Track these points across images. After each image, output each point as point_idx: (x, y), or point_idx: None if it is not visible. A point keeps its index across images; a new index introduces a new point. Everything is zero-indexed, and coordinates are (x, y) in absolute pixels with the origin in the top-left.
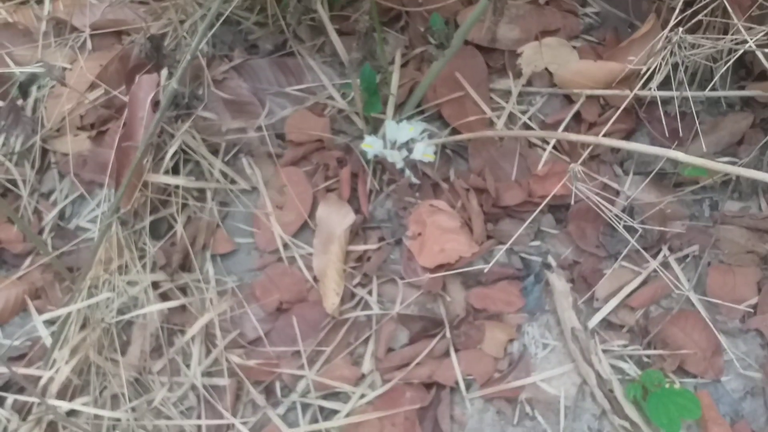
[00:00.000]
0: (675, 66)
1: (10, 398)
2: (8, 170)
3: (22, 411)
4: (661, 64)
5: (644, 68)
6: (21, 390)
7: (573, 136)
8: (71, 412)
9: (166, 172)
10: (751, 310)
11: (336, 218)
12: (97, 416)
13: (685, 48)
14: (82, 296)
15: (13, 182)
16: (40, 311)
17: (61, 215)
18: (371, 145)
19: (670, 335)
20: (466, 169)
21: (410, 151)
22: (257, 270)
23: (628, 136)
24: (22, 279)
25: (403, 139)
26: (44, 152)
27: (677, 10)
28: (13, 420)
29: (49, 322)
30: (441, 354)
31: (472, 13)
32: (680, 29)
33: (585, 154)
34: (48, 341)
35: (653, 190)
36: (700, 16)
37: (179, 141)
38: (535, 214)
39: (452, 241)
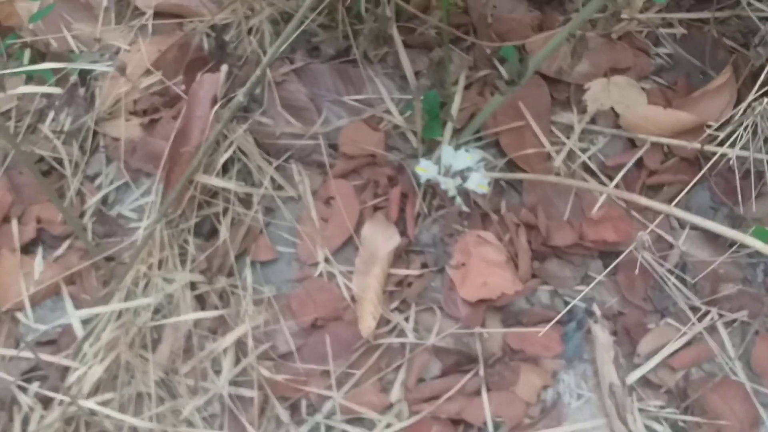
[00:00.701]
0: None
1: (34, 387)
2: (55, 148)
3: (46, 400)
4: (738, 129)
5: (715, 125)
6: (44, 377)
7: (644, 201)
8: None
9: (217, 174)
10: None
11: (381, 239)
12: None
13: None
14: (120, 297)
15: (60, 161)
16: (73, 297)
17: (104, 200)
18: (426, 170)
19: (709, 402)
20: (518, 202)
21: (464, 179)
22: (296, 281)
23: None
24: (59, 262)
25: (460, 167)
26: (94, 134)
27: (765, 74)
28: (36, 409)
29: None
30: (472, 391)
31: (545, 49)
32: (765, 99)
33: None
34: (80, 332)
35: (707, 248)
36: None
37: (233, 146)
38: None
39: (496, 275)
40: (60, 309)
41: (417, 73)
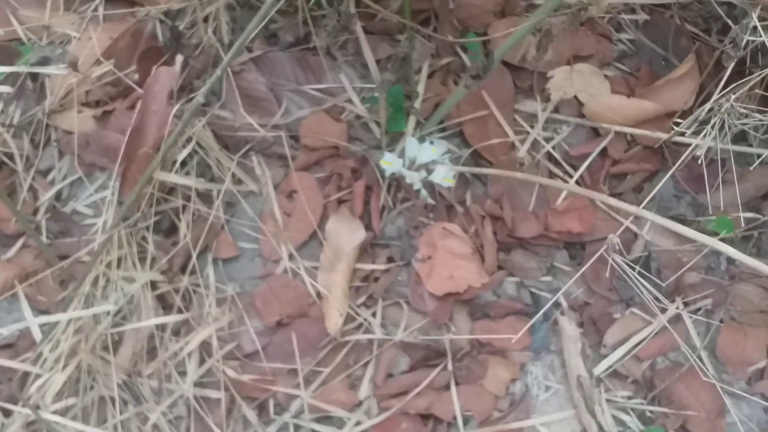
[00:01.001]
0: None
1: None
2: (5, 142)
3: (5, 410)
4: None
5: (679, 114)
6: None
7: (613, 201)
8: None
9: (175, 169)
10: (759, 373)
11: (346, 234)
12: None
13: (733, 116)
14: (79, 301)
15: (10, 156)
16: (30, 298)
17: (58, 196)
18: (391, 163)
19: (675, 392)
20: (483, 193)
21: (429, 172)
22: (259, 278)
23: (651, 176)
24: (12, 261)
25: (425, 160)
26: (45, 127)
27: (729, 71)
28: None
29: (39, 312)
30: (441, 386)
31: (508, 41)
32: (732, 97)
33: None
34: (38, 337)
35: (672, 237)
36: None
37: (193, 142)
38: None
39: (462, 268)
40: (16, 310)
41: (378, 62)
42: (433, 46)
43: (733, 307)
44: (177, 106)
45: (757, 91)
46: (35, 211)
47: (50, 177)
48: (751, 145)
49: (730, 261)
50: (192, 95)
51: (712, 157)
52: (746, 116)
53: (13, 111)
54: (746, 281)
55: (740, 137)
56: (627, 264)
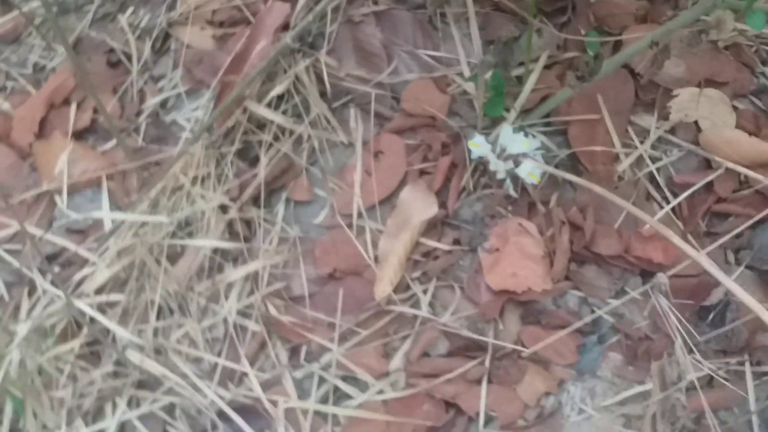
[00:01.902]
0: None
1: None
2: (127, 42)
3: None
4: None
5: None
6: (65, 264)
7: (676, 239)
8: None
9: (269, 104)
10: None
11: (418, 206)
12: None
13: None
14: (151, 204)
15: (129, 56)
16: (111, 193)
17: (163, 104)
18: (478, 146)
19: None
20: (570, 199)
21: (517, 164)
22: (325, 228)
23: (756, 224)
24: (106, 155)
25: (515, 151)
26: (166, 36)
27: None
28: (48, 294)
29: (117, 208)
30: (473, 379)
31: (627, 50)
32: None
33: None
34: (108, 227)
35: (759, 291)
36: None
37: (290, 79)
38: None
39: (528, 269)
40: (97, 201)
41: (491, 43)
42: (562, 37)
43: None
44: (283, 42)
45: None
46: (139, 113)
47: (160, 84)
48: None
49: None
50: (304, 38)
51: None
52: None
53: (143, 15)
54: None
55: None
56: (703, 308)
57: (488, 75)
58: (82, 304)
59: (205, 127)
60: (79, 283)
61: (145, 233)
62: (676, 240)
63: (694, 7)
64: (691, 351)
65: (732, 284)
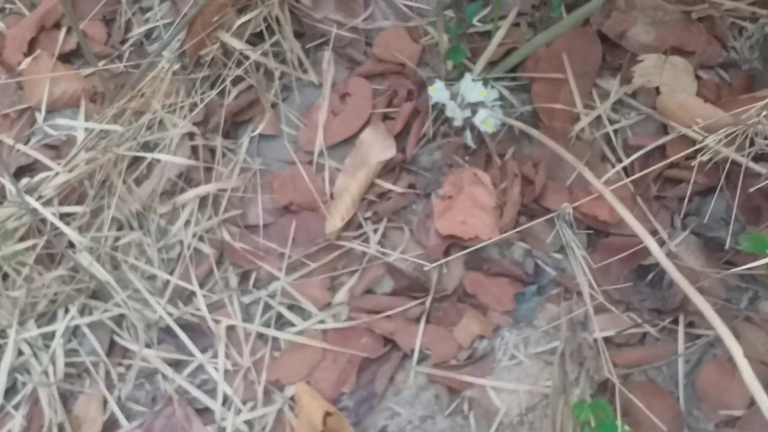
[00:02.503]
0: None
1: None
2: None
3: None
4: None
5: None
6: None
7: (616, 202)
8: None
9: (244, 38)
10: (732, 422)
11: (376, 148)
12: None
13: None
14: (106, 119)
15: None
16: (89, 114)
17: (149, 34)
18: (437, 91)
19: (634, 407)
20: (527, 154)
21: (474, 113)
22: (286, 163)
23: (705, 192)
24: (89, 78)
25: (472, 100)
26: None
27: None
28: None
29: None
30: (413, 318)
31: (586, 6)
32: None
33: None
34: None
35: (701, 257)
36: None
37: (262, 10)
38: None
39: (477, 218)
40: (74, 120)
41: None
42: None
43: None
44: None
45: None
46: (123, 41)
47: (147, 15)
48: None
49: (752, 301)
50: None
51: None
52: None
53: None
54: (759, 327)
55: None
56: (642, 266)
57: (450, 23)
58: (42, 209)
59: (168, 43)
60: (38, 183)
61: (109, 142)
62: (612, 199)
63: None
64: (627, 309)
65: (661, 256)
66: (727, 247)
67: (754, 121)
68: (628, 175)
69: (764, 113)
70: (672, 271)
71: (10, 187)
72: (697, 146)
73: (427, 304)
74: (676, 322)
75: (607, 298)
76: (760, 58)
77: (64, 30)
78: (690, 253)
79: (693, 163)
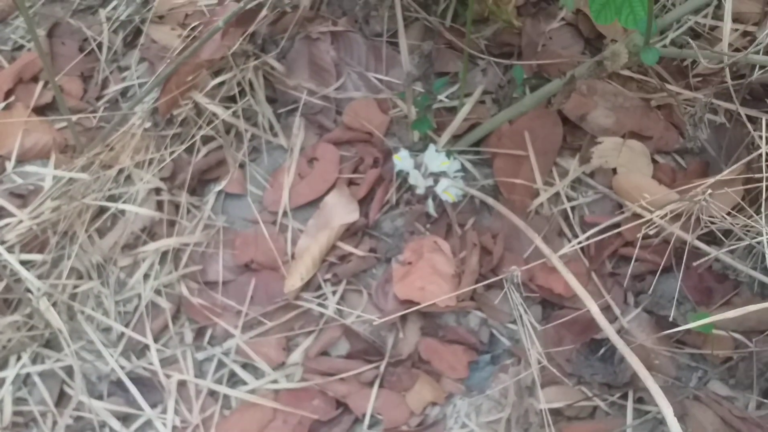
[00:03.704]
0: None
1: None
2: (102, 33)
3: None
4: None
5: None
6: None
7: (567, 274)
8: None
9: (212, 96)
10: None
11: (340, 211)
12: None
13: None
14: (75, 168)
15: (100, 46)
16: (59, 166)
17: (124, 92)
18: (401, 159)
19: None
20: (487, 226)
21: (437, 182)
22: (250, 222)
23: (659, 271)
24: (60, 132)
25: (434, 169)
26: (138, 32)
27: None
28: None
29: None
30: (366, 382)
31: (547, 86)
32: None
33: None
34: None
35: (652, 335)
36: None
37: (236, 74)
38: None
39: (435, 284)
40: (43, 171)
41: (441, 75)
42: (504, 78)
43: (686, 426)
44: (237, 45)
45: None
46: (99, 98)
47: (125, 74)
48: None
49: (702, 380)
50: (257, 41)
51: (730, 275)
52: None
53: (123, 11)
54: (707, 405)
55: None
56: (594, 341)
57: (418, 96)
58: (3, 251)
59: (141, 99)
60: (1, 229)
61: (76, 191)
62: (565, 272)
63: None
64: (578, 382)
65: (611, 332)
66: (671, 319)
67: (699, 198)
68: (584, 252)
69: (709, 192)
70: (620, 345)
71: None
72: (648, 224)
73: (382, 368)
74: (625, 397)
75: (560, 370)
76: (714, 145)
77: (41, 84)
78: (642, 330)
79: (638, 235)
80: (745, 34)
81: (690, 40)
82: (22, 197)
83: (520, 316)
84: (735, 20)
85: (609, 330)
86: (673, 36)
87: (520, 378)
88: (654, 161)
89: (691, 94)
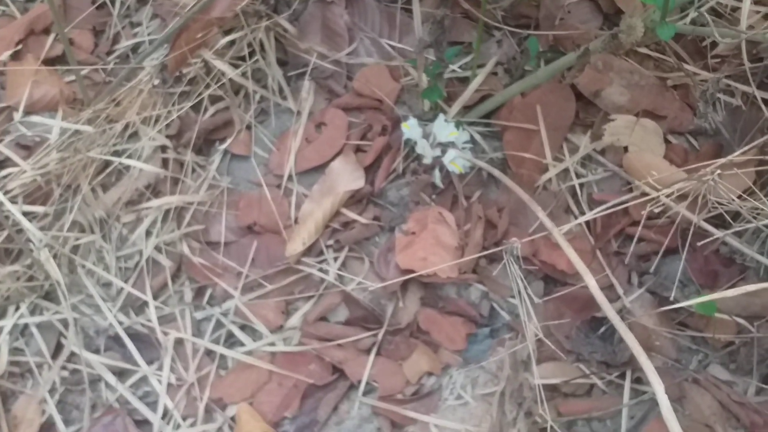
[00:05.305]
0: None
1: None
2: None
3: None
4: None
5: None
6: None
7: (572, 254)
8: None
9: (222, 56)
10: None
11: (345, 177)
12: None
13: None
14: (81, 120)
15: (113, 0)
16: (66, 118)
17: (135, 48)
18: (409, 127)
19: None
20: (493, 199)
21: (443, 153)
22: (255, 184)
23: (664, 253)
24: (69, 85)
25: (442, 139)
26: None
27: None
28: None
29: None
30: (363, 349)
31: (561, 59)
32: None
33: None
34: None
35: (655, 316)
36: None
37: (247, 33)
38: None
39: (438, 256)
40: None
41: (460, 44)
42: (518, 50)
43: (682, 408)
44: (249, 3)
45: None
46: (110, 53)
47: (136, 30)
48: None
49: (702, 364)
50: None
51: (737, 259)
52: None
53: None
54: (706, 389)
55: None
56: (595, 318)
57: (429, 64)
58: (6, 201)
59: (150, 53)
60: (5, 178)
61: (81, 143)
62: (568, 249)
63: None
64: (577, 359)
65: (608, 307)
66: (671, 298)
67: (708, 178)
68: (590, 229)
69: (718, 172)
70: (617, 323)
71: None
72: (654, 201)
73: (380, 336)
74: (623, 376)
75: (558, 346)
76: (729, 128)
77: (52, 36)
78: (644, 310)
79: (642, 212)
80: (767, 16)
81: (708, 18)
82: (27, 148)
83: (518, 289)
84: (757, 2)
85: (605, 305)
86: (694, 15)
87: (515, 351)
88: (667, 141)
89: (708, 74)
